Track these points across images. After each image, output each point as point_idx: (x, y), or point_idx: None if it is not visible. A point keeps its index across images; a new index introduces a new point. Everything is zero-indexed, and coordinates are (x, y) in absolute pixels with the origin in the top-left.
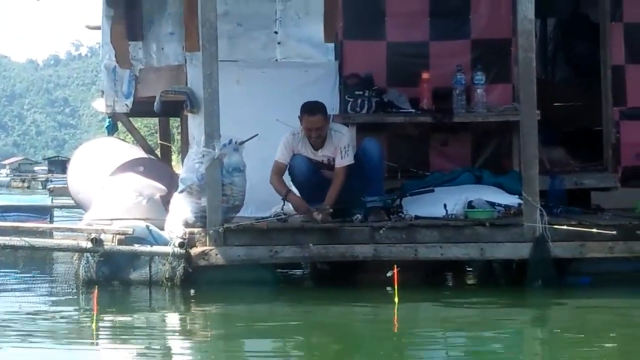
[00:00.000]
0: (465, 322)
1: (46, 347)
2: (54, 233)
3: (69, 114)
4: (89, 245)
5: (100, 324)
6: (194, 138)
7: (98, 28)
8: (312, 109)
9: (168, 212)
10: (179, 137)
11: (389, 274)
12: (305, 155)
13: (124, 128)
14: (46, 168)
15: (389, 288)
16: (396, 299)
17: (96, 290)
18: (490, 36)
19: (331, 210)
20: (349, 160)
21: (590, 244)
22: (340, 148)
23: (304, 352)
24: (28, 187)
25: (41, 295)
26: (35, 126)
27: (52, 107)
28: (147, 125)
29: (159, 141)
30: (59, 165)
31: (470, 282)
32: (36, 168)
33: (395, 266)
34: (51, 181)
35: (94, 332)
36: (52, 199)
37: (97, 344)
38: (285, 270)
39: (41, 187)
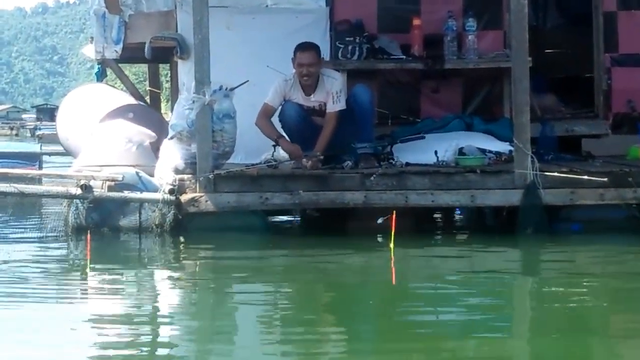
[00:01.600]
0: (456, 268)
1: (38, 295)
2: (43, 179)
3: (57, 62)
4: (79, 191)
5: (91, 272)
6: (184, 84)
7: None
8: (305, 45)
9: (158, 158)
10: (167, 84)
11: (379, 221)
12: (297, 102)
13: (113, 75)
14: (34, 116)
15: (379, 236)
16: (392, 245)
17: (89, 236)
18: None
19: (322, 157)
20: (340, 105)
21: (581, 191)
22: (333, 93)
23: (294, 299)
24: (16, 135)
25: (31, 242)
26: (24, 74)
27: (40, 54)
28: (135, 73)
29: (148, 88)
30: (47, 112)
31: (461, 228)
32: (24, 116)
33: (394, 212)
34: (40, 128)
35: (87, 278)
36: (41, 145)
37: (89, 291)
38: (276, 219)
39: (29, 135)
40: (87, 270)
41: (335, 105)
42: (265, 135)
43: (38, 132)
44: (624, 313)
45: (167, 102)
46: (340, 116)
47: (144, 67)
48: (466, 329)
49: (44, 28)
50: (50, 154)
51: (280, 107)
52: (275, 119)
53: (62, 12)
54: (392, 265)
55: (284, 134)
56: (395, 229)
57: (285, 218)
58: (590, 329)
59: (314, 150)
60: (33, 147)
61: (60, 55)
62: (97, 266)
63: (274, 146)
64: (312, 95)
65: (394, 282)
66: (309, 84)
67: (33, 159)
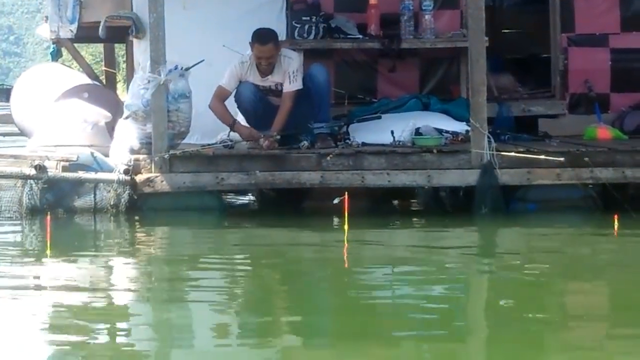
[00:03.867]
0: (412, 249)
1: None
2: None
3: (13, 42)
4: (33, 172)
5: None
6: (140, 64)
7: None
8: (263, 38)
9: (113, 138)
10: (124, 65)
11: (335, 201)
12: (253, 82)
13: (69, 55)
14: None
15: (335, 217)
16: (346, 226)
17: (48, 218)
18: None
19: (278, 137)
20: (297, 85)
21: (537, 171)
22: (289, 73)
23: (249, 282)
24: None
25: None
26: None
27: None
28: (92, 53)
29: (103, 68)
30: (4, 93)
31: (417, 208)
32: None
33: (346, 193)
34: None
35: (49, 258)
36: None
37: (46, 277)
38: (233, 198)
39: None
40: (47, 253)
41: (292, 85)
42: (220, 120)
43: None
44: (579, 292)
45: (124, 82)
46: (296, 96)
47: (101, 47)
48: (420, 310)
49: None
50: (4, 135)
51: (235, 89)
52: (230, 99)
53: None
54: (345, 245)
55: (240, 116)
56: (351, 210)
57: (242, 198)
58: (545, 308)
59: (271, 131)
60: None
61: (17, 35)
62: (53, 250)
63: (230, 130)
64: (270, 76)
65: (346, 263)
66: (268, 69)
67: None
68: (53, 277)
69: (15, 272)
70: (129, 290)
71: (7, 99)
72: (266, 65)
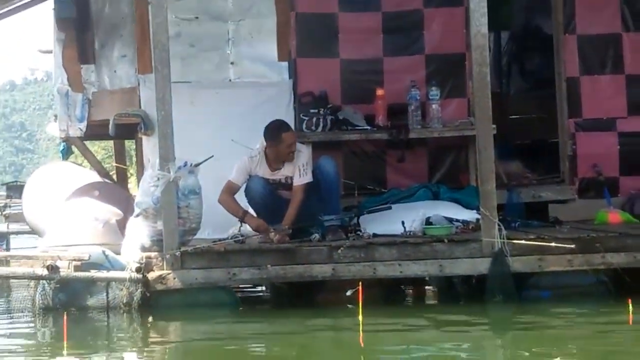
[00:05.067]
0: (427, 340)
1: None
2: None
3: (26, 139)
4: (45, 272)
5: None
6: (149, 161)
7: (51, 52)
8: (286, 126)
9: (124, 236)
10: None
11: (348, 293)
12: (262, 176)
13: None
14: (4, 193)
15: (349, 306)
16: (360, 317)
17: (65, 318)
18: (444, 51)
19: (290, 230)
20: (307, 178)
21: (549, 258)
22: (299, 166)
23: None
24: None
25: None
26: None
27: (8, 132)
28: (105, 147)
29: (114, 164)
30: (18, 190)
31: (430, 298)
32: None
33: (360, 283)
34: (10, 206)
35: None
36: (7, 225)
37: None
38: (245, 289)
39: (1, 213)
40: (65, 352)
41: (302, 178)
42: (230, 213)
43: (5, 212)
44: None
45: (137, 175)
46: (306, 189)
47: (112, 142)
48: None
49: (12, 105)
50: (17, 233)
51: (245, 183)
52: (240, 193)
53: (30, 88)
54: (361, 335)
55: (250, 209)
56: (364, 301)
57: (255, 290)
58: None
59: (282, 224)
60: (0, 226)
61: (29, 132)
62: (68, 349)
63: (241, 221)
64: (279, 170)
65: (360, 352)
66: (291, 157)
67: (0, 239)
68: None
69: None
70: None
71: (21, 196)
72: (292, 153)
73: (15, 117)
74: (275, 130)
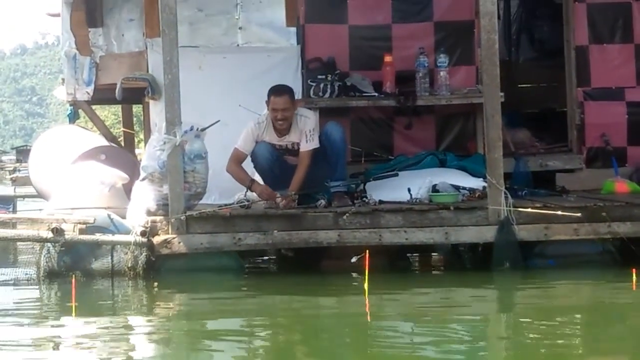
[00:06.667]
0: (432, 307)
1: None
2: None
3: (37, 103)
4: (50, 235)
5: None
6: (156, 125)
7: (59, 15)
8: (279, 90)
9: (130, 200)
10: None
11: (353, 260)
12: (269, 142)
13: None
14: (14, 157)
15: (354, 274)
16: (366, 285)
17: (73, 281)
18: (452, 18)
19: (296, 196)
20: (314, 144)
21: (555, 227)
22: (306, 132)
23: (270, 343)
24: None
25: (3, 286)
26: (3, 115)
27: (19, 96)
28: (115, 113)
29: (122, 129)
30: (28, 154)
31: (436, 266)
32: (4, 158)
33: (367, 251)
34: (19, 170)
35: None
36: (14, 188)
37: (66, 341)
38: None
39: (9, 177)
40: (74, 315)
41: (309, 144)
42: (238, 182)
43: (12, 175)
44: (600, 349)
45: (145, 141)
46: (313, 155)
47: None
48: None
49: (22, 69)
50: (24, 197)
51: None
52: (248, 160)
53: (41, 53)
54: (367, 304)
55: (256, 175)
56: (369, 268)
57: (260, 259)
58: None
59: (289, 190)
60: (8, 190)
61: (40, 96)
62: (72, 313)
63: (247, 190)
64: (286, 136)
65: (367, 319)
66: (284, 127)
67: (7, 202)
68: (77, 335)
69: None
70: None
71: None
72: (282, 121)
73: (25, 81)
74: (268, 92)
